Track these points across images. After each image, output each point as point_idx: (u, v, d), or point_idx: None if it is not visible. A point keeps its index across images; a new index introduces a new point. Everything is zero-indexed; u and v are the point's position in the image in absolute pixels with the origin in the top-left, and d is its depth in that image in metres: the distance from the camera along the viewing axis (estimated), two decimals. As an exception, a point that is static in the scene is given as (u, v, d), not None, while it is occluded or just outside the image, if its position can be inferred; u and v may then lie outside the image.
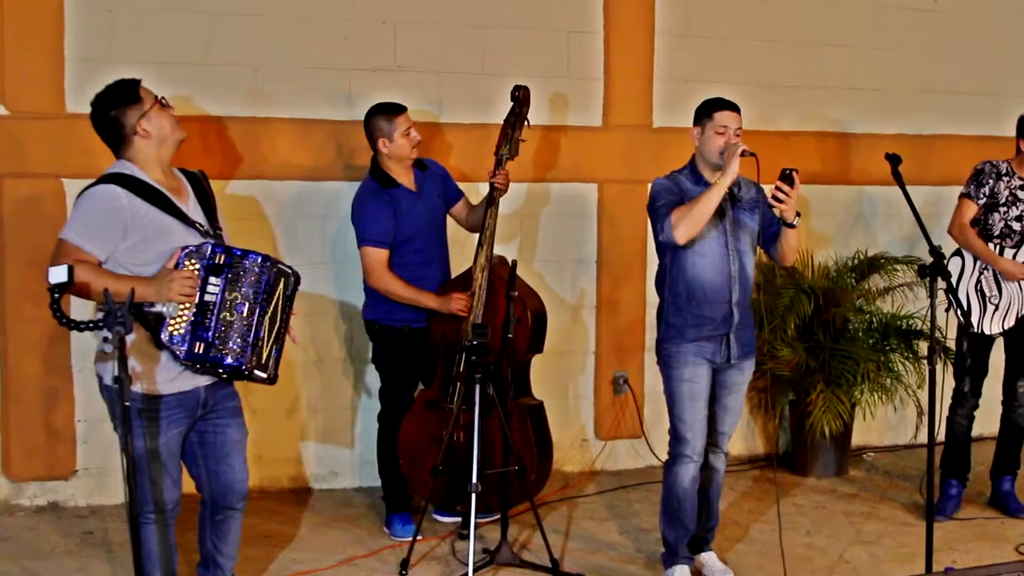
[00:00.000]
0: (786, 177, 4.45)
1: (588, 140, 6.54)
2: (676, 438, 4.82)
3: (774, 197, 4.48)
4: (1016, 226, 5.74)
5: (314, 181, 6.05)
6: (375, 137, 5.39)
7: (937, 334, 4.50)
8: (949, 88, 7.17)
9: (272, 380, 3.97)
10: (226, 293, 3.76)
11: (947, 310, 6.17)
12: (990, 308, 5.75)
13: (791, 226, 4.60)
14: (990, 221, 5.79)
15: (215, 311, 3.74)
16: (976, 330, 5.75)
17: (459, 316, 5.36)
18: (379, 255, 5.33)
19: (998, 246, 5.77)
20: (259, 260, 3.85)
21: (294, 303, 4.06)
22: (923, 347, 6.33)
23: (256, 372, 3.88)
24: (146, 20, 5.76)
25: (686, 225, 4.51)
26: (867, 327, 6.68)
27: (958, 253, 5.87)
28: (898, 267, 6.65)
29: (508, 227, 6.25)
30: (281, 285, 3.94)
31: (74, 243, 3.70)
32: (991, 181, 5.77)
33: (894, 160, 4.73)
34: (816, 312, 6.43)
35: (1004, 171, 5.79)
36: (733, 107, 4.72)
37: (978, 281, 5.80)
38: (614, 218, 6.60)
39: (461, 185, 5.78)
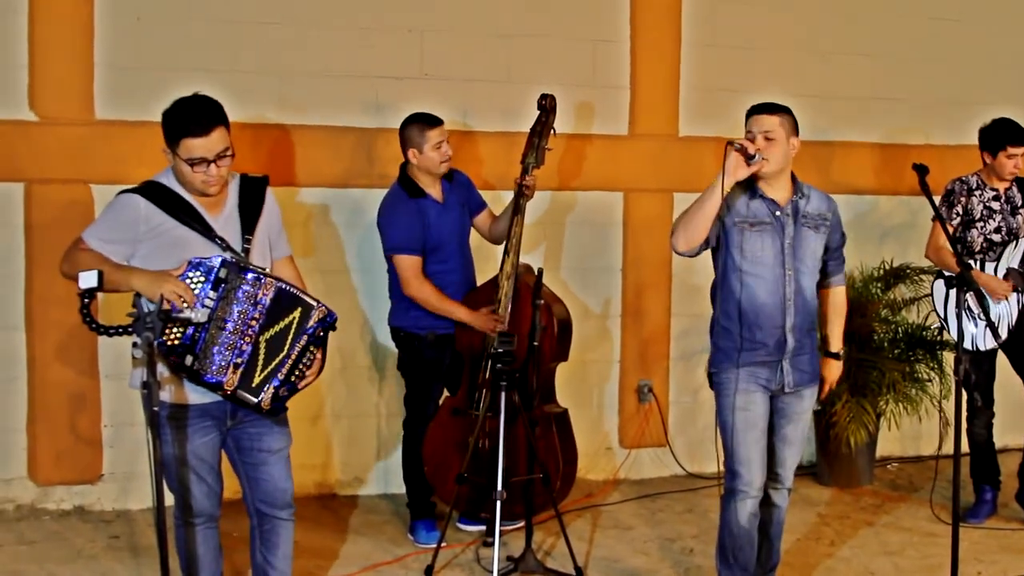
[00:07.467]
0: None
1: (614, 149, 6.55)
2: (730, 472, 4.42)
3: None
4: (996, 238, 5.73)
5: (341, 188, 6.08)
6: (406, 146, 5.39)
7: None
8: (976, 99, 7.12)
9: (270, 408, 3.84)
10: (219, 309, 3.71)
11: (940, 330, 6.16)
12: (981, 324, 5.68)
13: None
14: (969, 238, 5.77)
15: (207, 326, 3.69)
16: (971, 347, 5.69)
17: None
18: (413, 262, 5.33)
19: (979, 261, 5.74)
20: (254, 278, 3.76)
21: (326, 345, 3.92)
22: (949, 358, 6.30)
23: (241, 393, 3.78)
24: (174, 28, 5.80)
25: (682, 231, 4.19)
26: (893, 337, 6.65)
27: (941, 275, 5.85)
28: (924, 277, 6.61)
29: (533, 235, 6.26)
30: (296, 314, 3.83)
31: (85, 240, 3.81)
32: (962, 199, 5.75)
33: (921, 171, 4.67)
34: (841, 322, 6.40)
35: (975, 185, 5.79)
36: (766, 109, 4.30)
37: (964, 300, 5.76)
38: (640, 227, 6.60)
39: (486, 194, 5.79)
